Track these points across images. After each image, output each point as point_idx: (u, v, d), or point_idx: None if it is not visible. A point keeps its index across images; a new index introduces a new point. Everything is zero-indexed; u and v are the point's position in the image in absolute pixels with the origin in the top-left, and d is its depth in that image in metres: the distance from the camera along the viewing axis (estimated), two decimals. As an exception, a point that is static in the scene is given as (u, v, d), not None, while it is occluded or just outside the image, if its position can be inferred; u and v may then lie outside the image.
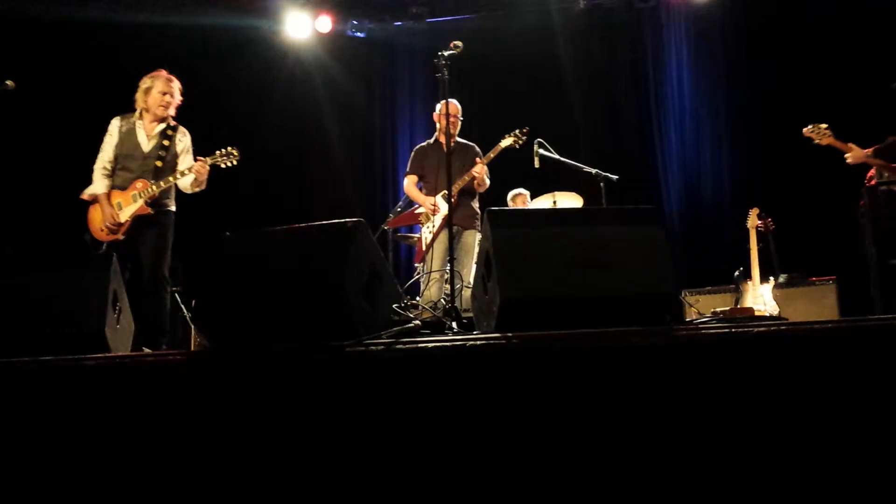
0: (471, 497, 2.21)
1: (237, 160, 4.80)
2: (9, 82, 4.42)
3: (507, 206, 7.09)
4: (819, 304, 5.88)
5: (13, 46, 6.67)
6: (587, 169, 5.68)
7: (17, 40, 6.86)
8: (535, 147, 5.65)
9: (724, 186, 8.05)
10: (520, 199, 7.18)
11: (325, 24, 8.33)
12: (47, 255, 3.27)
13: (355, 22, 8.52)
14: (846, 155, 5.51)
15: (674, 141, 8.29)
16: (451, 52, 4.23)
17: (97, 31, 7.07)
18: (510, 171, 6.56)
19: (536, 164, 5.65)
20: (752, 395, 2.23)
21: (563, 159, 5.72)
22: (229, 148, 4.80)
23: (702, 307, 6.27)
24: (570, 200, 6.83)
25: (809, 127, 5.70)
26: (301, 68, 8.52)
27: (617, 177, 5.59)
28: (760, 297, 6.07)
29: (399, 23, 8.46)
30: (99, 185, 4.71)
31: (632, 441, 2.22)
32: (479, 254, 3.01)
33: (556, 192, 6.80)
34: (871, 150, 5.57)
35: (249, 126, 7.91)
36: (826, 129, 5.67)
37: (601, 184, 5.55)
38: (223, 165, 4.78)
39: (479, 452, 2.23)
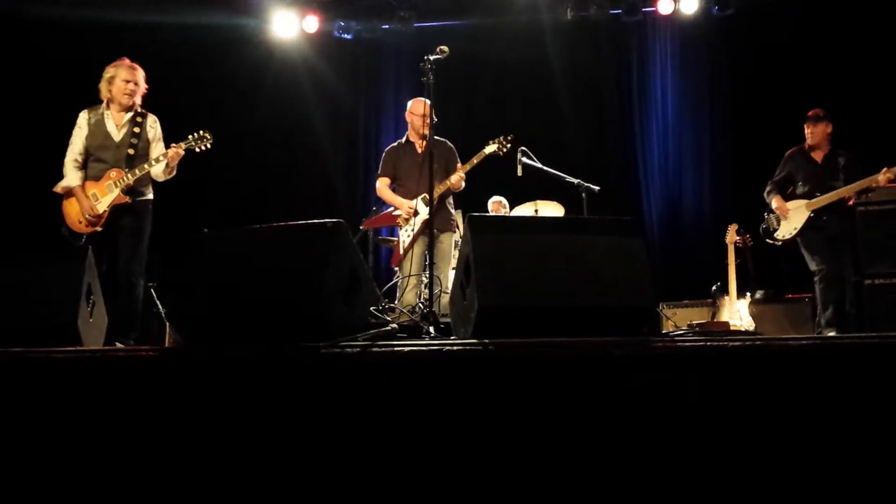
0: (443, 502, 2.20)
1: (210, 143, 4.79)
2: None
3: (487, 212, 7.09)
4: (794, 321, 5.94)
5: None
6: (569, 179, 5.68)
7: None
8: (519, 155, 5.64)
9: (705, 201, 8.12)
10: (495, 206, 7.20)
11: (312, 24, 8.31)
12: (22, 247, 3.22)
13: (342, 23, 8.49)
14: None
15: (656, 154, 8.35)
16: (438, 56, 4.23)
17: (81, 29, 7.00)
18: (493, 178, 6.57)
19: (519, 172, 5.64)
20: (725, 409, 2.24)
21: (545, 168, 5.72)
22: (202, 131, 4.79)
23: (679, 320, 6.32)
24: (551, 209, 6.85)
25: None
26: (288, 67, 8.50)
27: (598, 188, 5.60)
28: (737, 312, 6.12)
29: (387, 26, 8.44)
30: (72, 177, 4.68)
31: (604, 450, 2.22)
32: (459, 259, 3.00)
33: (538, 201, 6.82)
34: None
35: (236, 124, 7.88)
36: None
37: (583, 194, 5.56)
38: (197, 150, 4.76)
39: (452, 458, 2.22)
